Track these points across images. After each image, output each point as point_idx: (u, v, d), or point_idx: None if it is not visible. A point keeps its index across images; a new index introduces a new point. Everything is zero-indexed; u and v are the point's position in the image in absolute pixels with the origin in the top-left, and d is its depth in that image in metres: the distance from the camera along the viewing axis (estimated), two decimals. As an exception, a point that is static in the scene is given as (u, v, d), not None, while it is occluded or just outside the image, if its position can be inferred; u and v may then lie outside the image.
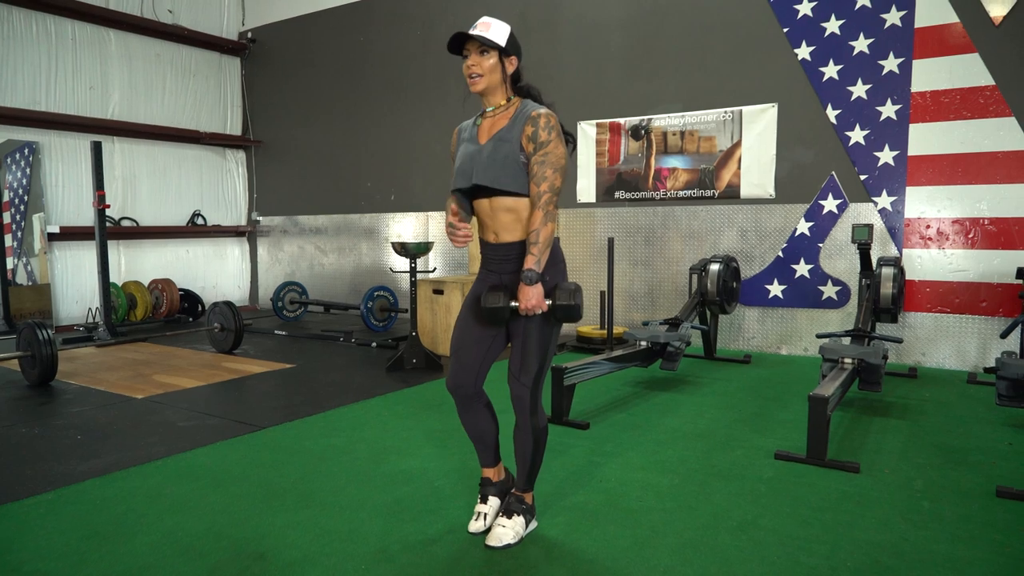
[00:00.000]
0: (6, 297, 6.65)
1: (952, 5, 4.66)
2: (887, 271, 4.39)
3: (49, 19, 6.84)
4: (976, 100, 4.64)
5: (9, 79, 6.57)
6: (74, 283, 7.10)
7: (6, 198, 6.73)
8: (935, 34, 4.74)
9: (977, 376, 4.52)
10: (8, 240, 6.75)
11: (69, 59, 7.01)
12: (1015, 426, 3.48)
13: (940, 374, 4.70)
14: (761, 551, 2.17)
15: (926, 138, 4.82)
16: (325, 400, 4.06)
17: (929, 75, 4.77)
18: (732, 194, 5.55)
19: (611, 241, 5.19)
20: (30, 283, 6.82)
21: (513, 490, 2.33)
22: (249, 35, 8.59)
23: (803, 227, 5.28)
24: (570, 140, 2.21)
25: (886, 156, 4.96)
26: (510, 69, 2.17)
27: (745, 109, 5.44)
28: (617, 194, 6.08)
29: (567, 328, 6.14)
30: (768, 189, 5.41)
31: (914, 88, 4.83)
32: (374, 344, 5.89)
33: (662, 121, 5.82)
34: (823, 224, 5.21)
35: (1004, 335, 3.85)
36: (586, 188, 6.23)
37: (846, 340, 4.61)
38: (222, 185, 8.64)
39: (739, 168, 5.50)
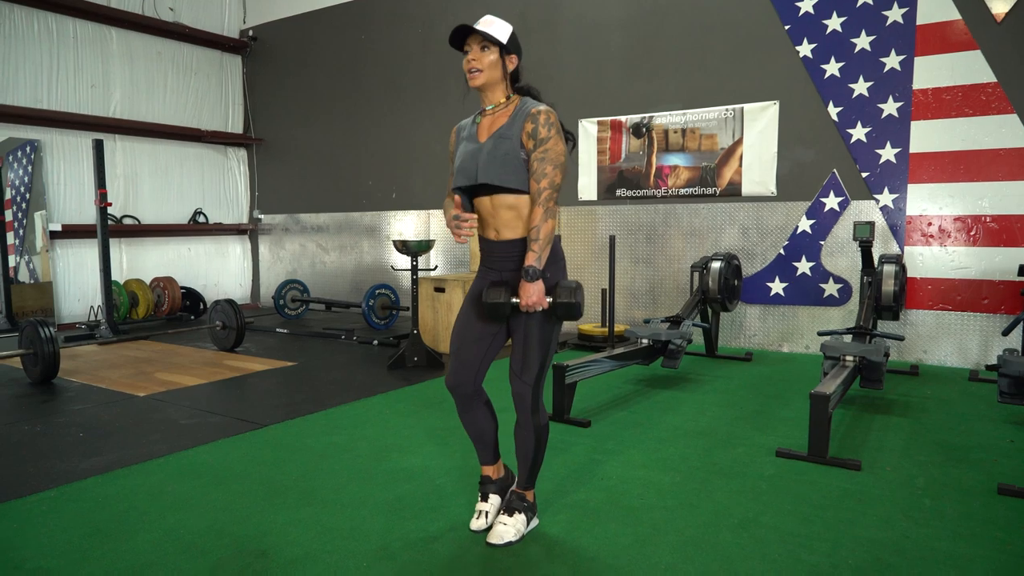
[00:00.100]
0: (8, 295, 6.66)
1: (954, 2, 4.65)
2: (889, 268, 4.38)
3: (51, 17, 6.84)
4: (978, 97, 4.63)
5: (11, 77, 6.58)
6: (76, 281, 7.11)
7: (8, 196, 6.75)
8: (937, 31, 4.73)
9: (979, 373, 4.52)
10: (10, 238, 6.76)
11: (71, 57, 7.01)
12: (1017, 423, 3.47)
13: (942, 371, 4.69)
14: (762, 549, 2.17)
15: (928, 135, 4.81)
16: (327, 398, 4.07)
17: (931, 72, 4.76)
18: (733, 192, 5.55)
19: (612, 239, 5.18)
20: (32, 281, 6.83)
21: (514, 488, 2.33)
22: (250, 33, 8.59)
23: (805, 225, 5.27)
24: (570, 139, 2.21)
25: (888, 153, 4.95)
26: (510, 67, 2.17)
27: (746, 107, 5.43)
28: (618, 192, 6.08)
29: (568, 326, 6.14)
30: (769, 187, 5.40)
31: (916, 85, 4.82)
32: (375, 342, 5.89)
33: (663, 119, 5.81)
34: (824, 222, 5.20)
35: (1006, 332, 3.85)
36: (587, 186, 6.23)
37: (848, 338, 4.60)
38: (224, 183, 8.65)
39: (740, 166, 5.50)
